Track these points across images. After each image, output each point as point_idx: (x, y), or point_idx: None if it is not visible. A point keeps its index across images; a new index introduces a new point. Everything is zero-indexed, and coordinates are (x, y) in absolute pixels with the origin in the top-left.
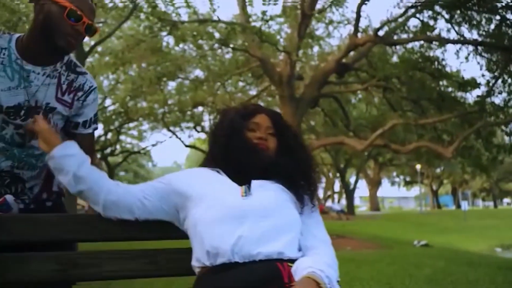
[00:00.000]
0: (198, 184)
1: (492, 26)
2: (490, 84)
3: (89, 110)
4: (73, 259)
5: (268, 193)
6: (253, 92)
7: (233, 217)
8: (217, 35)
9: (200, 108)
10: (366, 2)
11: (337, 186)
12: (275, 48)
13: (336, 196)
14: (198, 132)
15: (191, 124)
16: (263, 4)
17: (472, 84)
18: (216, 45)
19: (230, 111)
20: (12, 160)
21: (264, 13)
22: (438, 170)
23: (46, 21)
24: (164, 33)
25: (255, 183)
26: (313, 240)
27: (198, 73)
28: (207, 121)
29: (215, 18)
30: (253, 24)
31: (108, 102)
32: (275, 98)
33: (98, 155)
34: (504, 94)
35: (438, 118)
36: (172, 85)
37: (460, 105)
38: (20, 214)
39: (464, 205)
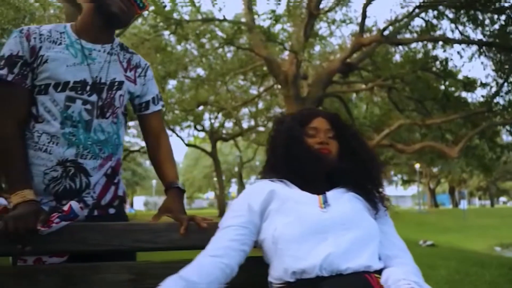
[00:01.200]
0: (273, 200)
1: (496, 26)
2: (498, 85)
3: (152, 86)
4: (145, 269)
5: (345, 204)
6: (254, 91)
7: (315, 232)
8: (220, 33)
9: (200, 107)
10: (372, 1)
11: None
12: (283, 47)
13: None
14: (199, 131)
15: (190, 123)
16: (267, 3)
17: (475, 84)
18: (217, 44)
19: (286, 118)
20: (77, 147)
21: (273, 12)
22: (435, 169)
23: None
24: (167, 32)
25: (329, 193)
26: (394, 249)
27: (199, 72)
28: (207, 119)
29: (220, 17)
30: (260, 23)
31: None
32: (277, 98)
33: None
34: (508, 95)
35: (446, 118)
36: (172, 83)
37: (465, 105)
38: (90, 223)
39: (463, 204)
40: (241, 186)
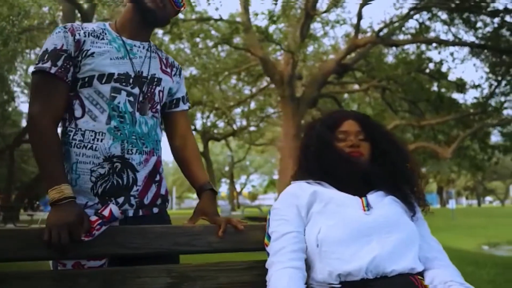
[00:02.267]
0: (315, 201)
1: (489, 29)
2: (492, 87)
3: (182, 85)
4: (184, 271)
5: (387, 207)
6: (246, 91)
7: (359, 235)
8: (214, 33)
9: (193, 107)
10: (370, 2)
11: None
12: (280, 48)
13: None
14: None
15: None
16: (262, 3)
17: (466, 85)
18: (211, 44)
19: (315, 123)
20: (122, 142)
21: (271, 12)
22: (423, 169)
23: (138, 5)
24: (160, 31)
25: (370, 196)
26: (432, 251)
27: (191, 71)
28: (198, 119)
29: (215, 16)
30: (257, 23)
31: None
32: (270, 98)
33: None
34: (500, 97)
35: (440, 119)
36: None
37: (457, 106)
38: (129, 226)
39: (452, 203)
40: (232, 186)
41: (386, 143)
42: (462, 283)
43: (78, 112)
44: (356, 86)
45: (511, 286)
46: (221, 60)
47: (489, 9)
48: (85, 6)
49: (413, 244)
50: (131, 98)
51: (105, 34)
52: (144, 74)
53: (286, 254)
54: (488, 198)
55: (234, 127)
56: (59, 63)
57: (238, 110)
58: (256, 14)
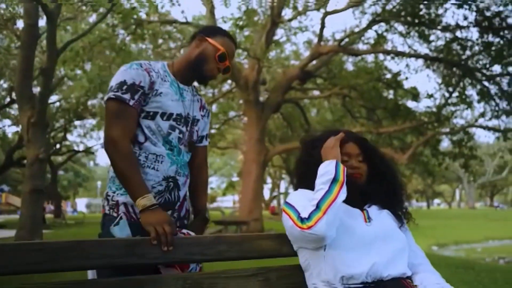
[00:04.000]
0: None
1: (441, 42)
2: (445, 97)
3: (208, 125)
4: (197, 279)
5: (384, 220)
6: (209, 94)
7: (362, 243)
8: (178, 35)
9: None
10: (331, 14)
11: (282, 187)
12: (248, 54)
13: (282, 196)
14: None
15: None
16: (225, 5)
17: (419, 95)
18: (173, 45)
19: (316, 143)
20: (176, 165)
21: (237, 19)
22: None
23: (200, 55)
24: (121, 31)
25: (370, 210)
26: (417, 258)
27: None
28: None
29: (180, 18)
30: (224, 28)
31: (53, 98)
32: (233, 101)
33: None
34: (450, 106)
35: (398, 127)
36: None
37: (413, 114)
38: (147, 237)
39: None
40: None
41: (382, 166)
42: (448, 286)
43: (141, 138)
44: (316, 92)
45: (466, 286)
46: None
47: (442, 24)
48: (51, 5)
49: (404, 252)
50: (180, 135)
51: (167, 76)
52: (190, 115)
53: None
54: (437, 201)
55: None
56: (136, 97)
57: None
58: (225, 21)
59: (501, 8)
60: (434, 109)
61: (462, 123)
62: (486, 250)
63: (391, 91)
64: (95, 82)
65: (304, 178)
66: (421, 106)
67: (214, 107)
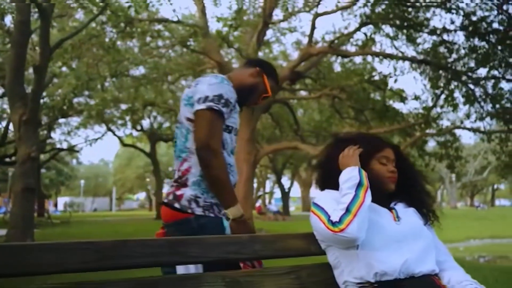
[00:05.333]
0: None
1: (427, 45)
2: (432, 99)
3: None
4: (235, 277)
5: (411, 217)
6: None
7: (393, 241)
8: (166, 33)
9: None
10: (321, 15)
11: (267, 187)
12: (240, 54)
13: (267, 196)
14: (138, 130)
15: (125, 122)
16: (215, 4)
17: (406, 97)
18: (161, 44)
19: (359, 141)
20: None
21: (227, 19)
22: None
23: (253, 87)
24: (109, 29)
25: (398, 208)
26: (442, 255)
27: (138, 71)
28: (145, 119)
29: (168, 15)
30: (214, 27)
31: None
32: None
33: None
34: (437, 108)
35: (388, 128)
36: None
37: (401, 116)
38: (188, 237)
39: None
40: None
41: (411, 172)
42: (473, 281)
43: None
44: (303, 92)
45: None
46: (173, 60)
47: (430, 28)
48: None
49: (432, 249)
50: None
51: (233, 93)
52: (238, 128)
53: None
54: None
55: None
56: (227, 111)
57: None
58: (218, 20)
59: (486, 13)
60: (421, 111)
61: (447, 125)
62: (467, 249)
63: (379, 93)
64: (82, 79)
65: (332, 177)
66: (408, 107)
67: None
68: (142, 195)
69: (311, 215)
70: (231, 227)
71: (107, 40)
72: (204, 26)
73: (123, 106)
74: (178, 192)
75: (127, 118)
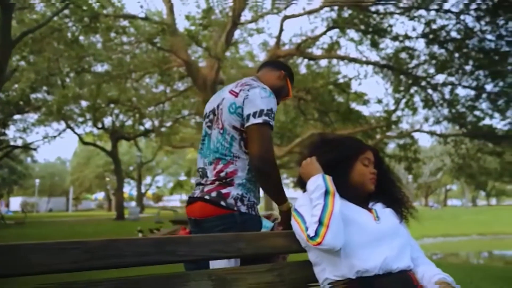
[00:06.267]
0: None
1: (390, 51)
2: (396, 103)
3: None
4: (221, 275)
5: (390, 217)
6: (166, 91)
7: (373, 240)
8: (132, 30)
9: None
10: (294, 15)
11: None
12: (209, 54)
13: None
14: (99, 128)
15: (85, 119)
16: (182, 3)
17: (369, 100)
18: (125, 40)
19: (345, 142)
20: None
21: (201, 18)
22: None
23: (279, 89)
24: (70, 23)
25: (377, 208)
26: (415, 251)
27: (101, 67)
28: (107, 117)
29: (135, 12)
30: (181, 26)
31: None
32: (186, 100)
33: None
34: (397, 111)
35: (352, 130)
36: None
37: (364, 119)
38: (176, 236)
39: None
40: (140, 187)
41: (388, 173)
42: (444, 274)
43: None
44: None
45: None
46: (138, 58)
47: (392, 34)
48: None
49: (408, 247)
50: None
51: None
52: None
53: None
54: None
55: (147, 126)
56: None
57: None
58: (188, 18)
59: (445, 22)
60: (383, 114)
61: (407, 128)
62: (422, 247)
63: (343, 95)
64: (42, 74)
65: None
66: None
67: (166, 105)
68: (100, 195)
69: (292, 220)
70: (283, 217)
71: (69, 34)
72: (172, 24)
73: (84, 103)
74: (224, 191)
75: (88, 115)
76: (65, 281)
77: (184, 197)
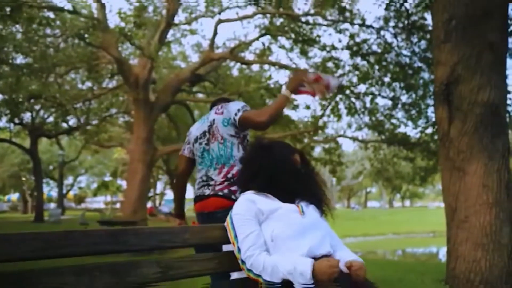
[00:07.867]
0: (267, 208)
1: (318, 59)
2: (322, 110)
3: None
4: (169, 263)
5: (313, 212)
6: (94, 88)
7: (300, 231)
8: (58, 22)
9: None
10: (229, 19)
11: (158, 188)
12: (142, 52)
13: (157, 197)
14: (16, 124)
15: (1, 114)
16: None
17: (298, 106)
18: (49, 32)
19: (276, 148)
20: None
21: (134, 16)
22: None
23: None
24: None
25: (303, 204)
26: (333, 239)
27: (26, 60)
28: (26, 113)
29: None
30: (110, 20)
31: None
32: (115, 98)
33: None
34: (324, 117)
35: (282, 133)
36: None
37: (293, 124)
38: (127, 227)
39: None
40: (61, 187)
41: (312, 174)
42: (355, 256)
43: None
44: (200, 95)
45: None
46: (63, 51)
47: (320, 44)
48: None
49: (328, 236)
50: None
51: None
52: None
53: (256, 248)
54: None
55: (71, 124)
56: None
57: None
58: (121, 17)
59: (367, 36)
60: (311, 119)
61: (332, 133)
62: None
63: (274, 100)
64: None
65: (254, 180)
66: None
67: (93, 103)
68: (14, 196)
69: (226, 227)
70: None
71: None
72: (103, 19)
73: (0, 96)
74: (233, 188)
75: (6, 110)
76: (24, 269)
77: (109, 198)
